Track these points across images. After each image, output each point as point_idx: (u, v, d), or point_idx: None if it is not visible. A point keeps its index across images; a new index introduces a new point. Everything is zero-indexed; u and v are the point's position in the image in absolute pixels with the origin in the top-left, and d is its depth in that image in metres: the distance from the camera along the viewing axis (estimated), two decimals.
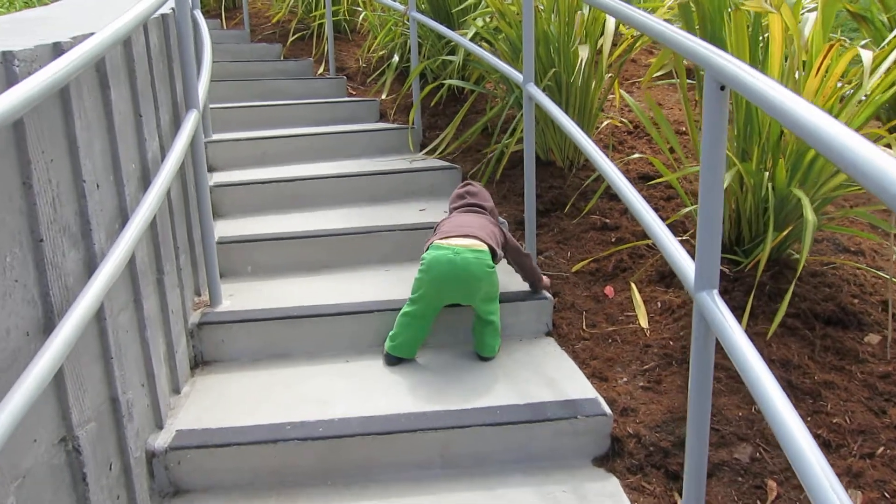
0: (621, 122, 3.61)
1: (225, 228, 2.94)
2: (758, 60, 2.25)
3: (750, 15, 2.17)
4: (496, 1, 3.24)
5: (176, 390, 2.11)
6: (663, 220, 2.81)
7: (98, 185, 1.61)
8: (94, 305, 1.38)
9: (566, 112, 3.18)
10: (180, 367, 2.13)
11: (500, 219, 2.62)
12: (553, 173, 3.30)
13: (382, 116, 4.39)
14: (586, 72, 3.00)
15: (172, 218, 2.16)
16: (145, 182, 1.93)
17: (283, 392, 2.09)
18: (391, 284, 2.61)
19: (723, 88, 1.19)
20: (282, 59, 5.28)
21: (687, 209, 2.52)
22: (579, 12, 2.83)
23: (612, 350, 2.27)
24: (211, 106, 3.99)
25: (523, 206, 3.15)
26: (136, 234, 1.62)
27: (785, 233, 2.25)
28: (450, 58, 3.78)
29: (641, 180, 3.20)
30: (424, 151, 3.83)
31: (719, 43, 2.31)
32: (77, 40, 1.51)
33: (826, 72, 1.97)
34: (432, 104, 4.12)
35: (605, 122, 3.57)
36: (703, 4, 2.26)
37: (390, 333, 2.26)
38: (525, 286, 2.51)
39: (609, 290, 2.59)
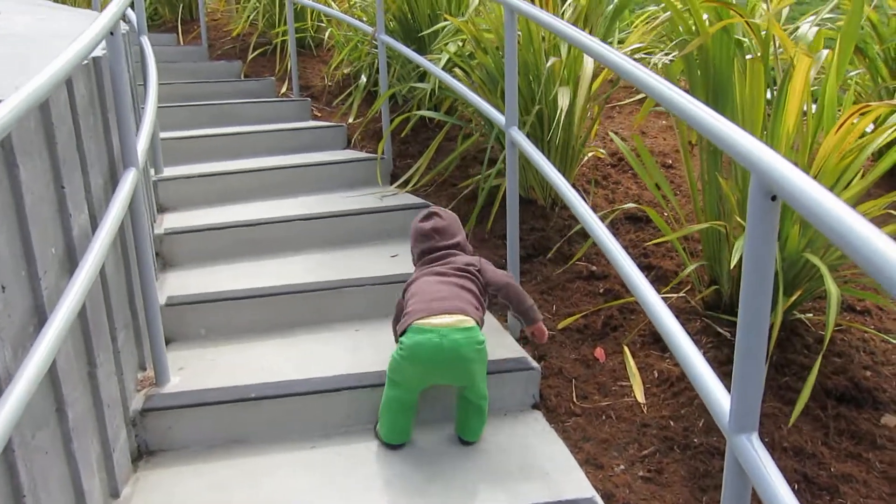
0: (604, 155, 3.40)
1: (176, 284, 2.66)
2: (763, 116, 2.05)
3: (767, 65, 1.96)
4: (470, 28, 3.00)
5: (114, 494, 1.84)
6: (656, 275, 2.63)
7: (2, 288, 1.34)
8: None
9: (548, 150, 2.96)
10: (119, 466, 1.86)
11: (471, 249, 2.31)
12: (534, 213, 3.08)
13: (349, 142, 4.13)
14: (570, 112, 2.78)
15: (108, 296, 1.88)
16: (71, 263, 1.66)
17: (238, 494, 1.83)
18: (363, 349, 2.36)
19: (774, 199, 0.96)
20: (242, 77, 4.98)
21: (688, 269, 2.31)
22: (555, 58, 2.61)
23: (607, 429, 2.05)
24: (163, 136, 3.69)
25: (503, 249, 2.92)
26: (55, 337, 1.35)
27: (794, 297, 2.05)
28: (420, 85, 3.54)
29: (630, 221, 2.99)
30: (396, 185, 3.58)
31: (725, 96, 2.10)
32: None
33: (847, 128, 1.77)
34: (403, 131, 3.87)
35: (589, 155, 3.36)
36: (708, 50, 2.05)
37: (379, 422, 2.01)
38: (511, 354, 2.28)
39: (600, 352, 2.38)
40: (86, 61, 1.87)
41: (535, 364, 2.23)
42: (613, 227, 2.97)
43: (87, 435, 1.68)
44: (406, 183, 3.55)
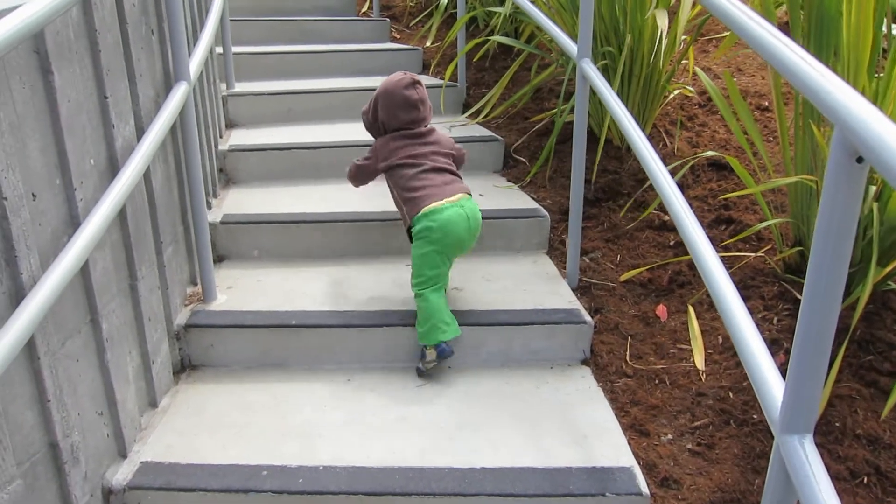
0: (691, 92, 3.11)
1: (235, 201, 2.64)
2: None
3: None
4: None
5: (153, 404, 1.87)
6: (735, 229, 2.39)
7: (33, 196, 1.32)
8: (15, 345, 1.12)
9: (629, 83, 2.73)
10: (159, 377, 1.88)
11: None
12: (609, 153, 2.87)
13: (426, 67, 3.97)
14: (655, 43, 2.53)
15: (154, 210, 1.86)
16: (113, 175, 1.63)
17: (269, 418, 1.83)
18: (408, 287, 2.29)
19: (860, 161, 0.78)
20: None
21: (767, 223, 2.09)
22: None
23: (659, 394, 1.91)
24: (240, 50, 3.65)
25: (568, 192, 2.75)
26: (85, 245, 1.34)
27: (890, 267, 1.81)
28: (496, 9, 3.31)
29: (712, 168, 2.74)
30: (466, 115, 3.42)
31: (830, 30, 1.82)
32: None
33: None
34: (478, 57, 3.67)
35: (676, 92, 3.08)
36: None
37: (425, 333, 1.97)
38: (564, 305, 2.16)
39: (662, 310, 2.21)
40: None
41: (588, 318, 2.10)
42: (694, 174, 2.74)
43: (124, 346, 1.69)
44: (477, 113, 3.39)
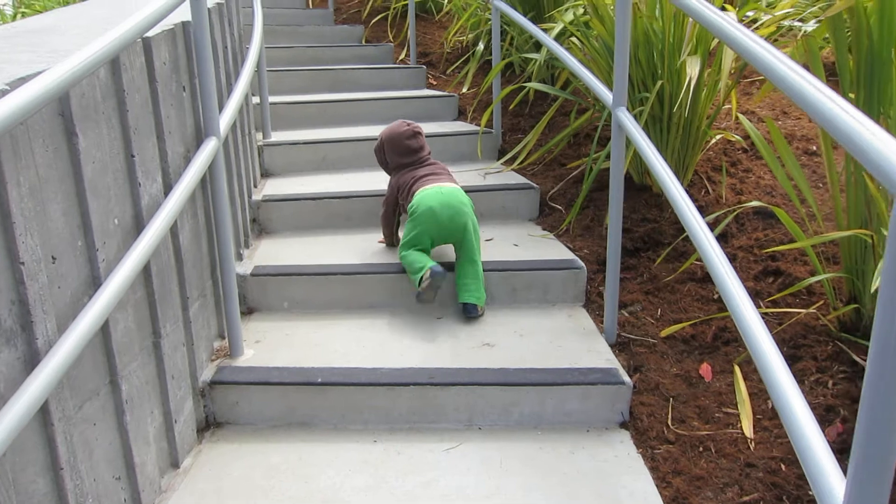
0: (735, 138, 3.01)
1: (267, 253, 2.63)
2: None
3: None
4: None
5: (174, 464, 1.82)
6: (783, 283, 2.26)
7: (53, 259, 1.30)
8: (25, 414, 1.09)
9: (667, 129, 2.65)
10: (181, 437, 1.84)
11: None
12: (648, 201, 2.78)
13: (461, 113, 3.96)
14: (695, 87, 2.45)
15: (181, 266, 1.85)
16: (139, 233, 1.62)
17: (292, 483, 1.76)
18: (440, 339, 2.22)
19: None
20: (363, 42, 4.92)
21: (818, 277, 1.97)
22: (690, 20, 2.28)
23: (703, 464, 1.79)
24: (280, 100, 3.70)
25: (606, 242, 2.67)
26: (103, 307, 1.32)
27: None
28: (532, 55, 3.28)
29: (758, 217, 2.63)
30: (502, 161, 3.38)
31: (883, 74, 1.73)
32: (16, 84, 1.19)
33: None
34: (514, 104, 3.64)
35: (718, 137, 2.99)
36: (860, 12, 1.68)
37: (411, 279, 2.33)
38: (600, 363, 2.06)
39: (706, 369, 2.09)
40: (169, 27, 1.82)
41: (626, 378, 1.99)
42: (739, 223, 2.62)
43: (146, 406, 1.66)
44: (513, 160, 3.35)
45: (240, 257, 2.51)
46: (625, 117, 1.99)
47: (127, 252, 1.47)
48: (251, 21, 3.00)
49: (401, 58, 4.73)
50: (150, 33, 1.70)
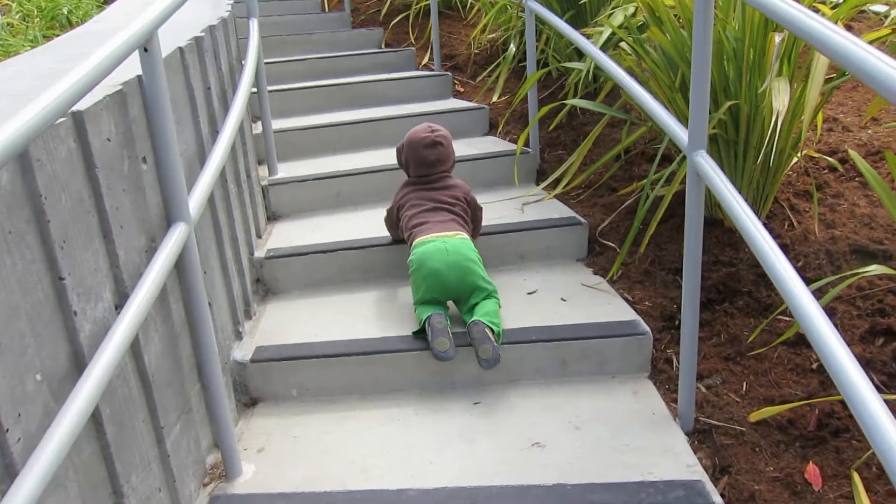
0: (821, 156, 2.52)
1: (271, 326, 2.27)
2: None
3: None
4: None
5: None
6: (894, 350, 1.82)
7: None
8: None
9: (745, 156, 2.18)
10: None
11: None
12: (720, 239, 2.32)
13: (493, 127, 3.53)
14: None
15: (149, 391, 1.49)
16: (78, 377, 1.26)
17: None
18: (478, 431, 1.83)
19: None
20: (382, 48, 4.51)
21: None
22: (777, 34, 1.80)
23: None
24: (287, 126, 3.32)
25: (674, 289, 2.23)
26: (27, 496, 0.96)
27: None
28: (573, 65, 2.83)
29: (857, 256, 2.15)
30: (542, 186, 2.95)
31: None
32: None
33: None
34: (555, 124, 3.19)
35: (802, 153, 2.50)
36: None
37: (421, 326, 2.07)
38: (680, 471, 1.64)
39: (813, 472, 1.65)
40: (115, 88, 1.44)
41: (709, 487, 1.57)
42: (833, 264, 2.15)
43: None
44: (555, 184, 2.91)
45: (239, 336, 2.15)
46: (705, 164, 1.55)
47: (58, 413, 1.10)
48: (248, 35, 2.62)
49: (424, 62, 4.30)
50: (82, 105, 1.32)
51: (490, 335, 1.96)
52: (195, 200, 1.59)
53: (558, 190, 2.81)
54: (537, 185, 3.04)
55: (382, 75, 4.00)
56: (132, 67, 1.55)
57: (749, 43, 1.95)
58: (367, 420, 1.94)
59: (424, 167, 2.33)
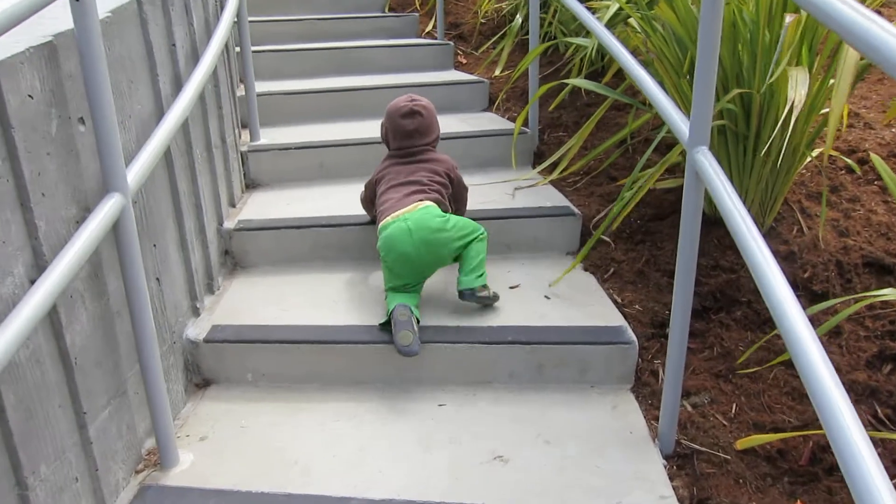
0: (838, 155, 2.33)
1: (233, 304, 2.12)
2: None
3: None
4: None
5: None
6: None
7: None
8: None
9: (754, 151, 2.00)
10: None
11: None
12: (721, 242, 2.15)
13: (492, 103, 3.33)
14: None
15: (70, 373, 1.34)
16: None
17: None
18: (435, 444, 1.69)
19: None
20: (385, 12, 4.28)
21: None
22: (791, 15, 1.59)
23: None
24: (277, 89, 3.14)
25: (667, 293, 2.06)
26: None
27: None
28: (576, 40, 2.62)
29: (870, 270, 1.98)
30: (538, 169, 2.77)
31: None
32: None
33: None
34: (556, 102, 3.00)
35: (816, 153, 2.31)
36: None
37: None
38: (653, 501, 1.50)
39: None
40: (45, 40, 1.27)
41: None
42: (843, 277, 1.99)
43: None
44: (551, 168, 2.73)
45: (196, 312, 2.01)
46: (705, 161, 1.37)
47: None
48: None
49: (427, 30, 4.09)
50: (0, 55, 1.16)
51: (476, 293, 1.96)
52: (136, 169, 1.43)
53: (554, 175, 2.64)
54: (533, 168, 2.86)
55: (380, 41, 3.80)
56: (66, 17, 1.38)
57: (763, 24, 1.76)
58: (321, 414, 1.80)
59: (402, 138, 2.18)
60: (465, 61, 3.76)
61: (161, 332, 1.74)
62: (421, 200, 2.03)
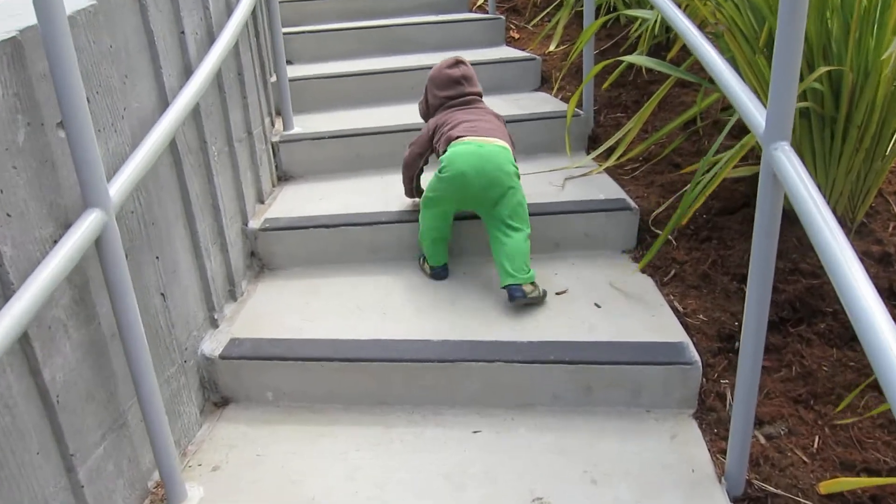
0: None
1: (255, 314, 1.97)
2: None
3: None
4: None
5: None
6: None
7: None
8: None
9: (842, 140, 1.70)
10: None
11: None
12: (804, 241, 1.86)
13: (545, 82, 3.07)
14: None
15: (52, 413, 1.22)
16: None
17: None
18: (472, 489, 1.50)
19: None
20: None
21: None
22: None
23: None
24: (314, 73, 2.97)
25: (736, 301, 1.80)
26: None
27: None
28: (636, 12, 2.33)
29: None
30: (592, 155, 2.51)
31: None
32: None
33: None
34: (610, 81, 2.71)
35: None
36: None
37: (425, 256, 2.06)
38: None
39: None
40: (9, 35, 1.12)
41: None
42: None
43: None
44: (607, 154, 2.47)
45: (213, 323, 1.87)
46: (786, 161, 1.11)
47: None
48: None
49: (479, 3, 3.83)
50: None
51: (524, 292, 1.84)
52: (122, 180, 1.28)
53: (610, 162, 2.37)
54: (587, 153, 2.60)
55: (426, 17, 3.56)
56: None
57: None
58: (343, 442, 1.63)
59: (451, 86, 2.11)
60: (517, 36, 3.49)
61: (169, 352, 1.60)
62: (501, 141, 1.97)
